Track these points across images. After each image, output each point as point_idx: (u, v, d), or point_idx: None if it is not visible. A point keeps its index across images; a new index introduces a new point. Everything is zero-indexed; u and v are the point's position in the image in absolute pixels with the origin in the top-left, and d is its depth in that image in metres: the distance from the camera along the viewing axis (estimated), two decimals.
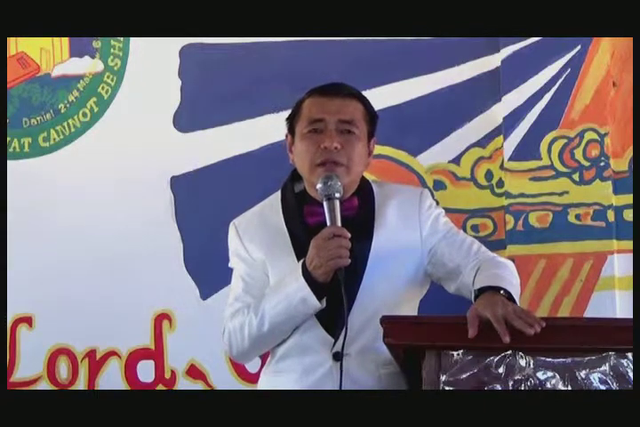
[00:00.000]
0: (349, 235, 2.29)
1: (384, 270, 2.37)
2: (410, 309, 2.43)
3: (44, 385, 3.63)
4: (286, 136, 2.50)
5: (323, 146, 2.37)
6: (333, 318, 2.32)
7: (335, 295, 2.28)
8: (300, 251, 2.36)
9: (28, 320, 3.66)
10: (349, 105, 2.43)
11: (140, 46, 3.59)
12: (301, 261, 2.33)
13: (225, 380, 3.38)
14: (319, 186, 2.34)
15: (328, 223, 2.31)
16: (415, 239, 2.42)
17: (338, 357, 2.32)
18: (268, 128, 3.27)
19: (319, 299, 2.31)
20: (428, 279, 2.47)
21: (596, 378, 2.00)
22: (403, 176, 3.18)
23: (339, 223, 2.31)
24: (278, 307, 2.35)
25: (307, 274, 2.30)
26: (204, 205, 3.47)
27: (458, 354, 2.05)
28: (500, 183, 3.07)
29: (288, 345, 2.40)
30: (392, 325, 2.11)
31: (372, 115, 2.47)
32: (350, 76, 2.89)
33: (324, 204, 2.33)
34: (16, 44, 3.75)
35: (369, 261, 2.37)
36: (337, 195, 2.32)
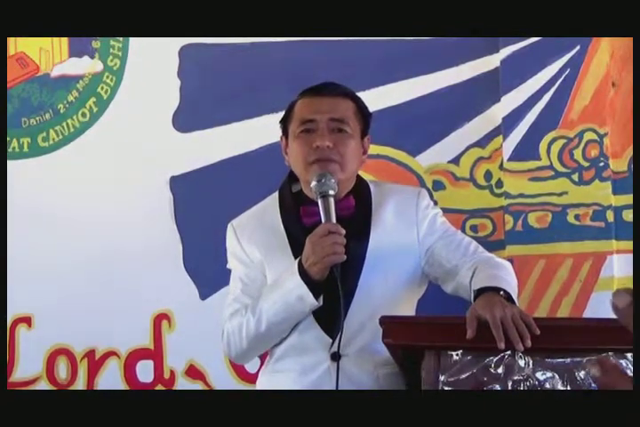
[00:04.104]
0: (344, 231, 2.29)
1: (381, 270, 2.38)
2: (407, 309, 2.43)
3: (44, 385, 3.63)
4: (281, 138, 2.50)
5: (315, 145, 2.38)
6: (331, 319, 2.32)
7: (333, 296, 2.28)
8: (298, 251, 2.36)
9: (27, 320, 3.66)
10: (340, 104, 2.43)
11: (140, 46, 3.58)
12: (297, 259, 2.34)
13: (224, 380, 3.37)
14: (313, 184, 2.34)
15: (323, 220, 2.31)
16: (412, 239, 2.42)
17: (336, 357, 2.32)
18: (268, 128, 3.24)
19: (316, 297, 2.31)
20: (425, 279, 2.46)
21: None
22: (402, 176, 3.17)
23: (333, 220, 2.31)
24: (275, 306, 2.35)
25: (303, 272, 2.30)
26: (203, 205, 3.46)
27: (457, 354, 2.05)
28: (500, 183, 3.06)
29: (286, 345, 2.41)
30: (391, 325, 2.11)
31: (364, 113, 2.47)
32: (350, 76, 2.89)
33: (319, 201, 2.33)
34: (15, 44, 3.74)
35: (366, 261, 2.37)
36: (331, 192, 2.32)
